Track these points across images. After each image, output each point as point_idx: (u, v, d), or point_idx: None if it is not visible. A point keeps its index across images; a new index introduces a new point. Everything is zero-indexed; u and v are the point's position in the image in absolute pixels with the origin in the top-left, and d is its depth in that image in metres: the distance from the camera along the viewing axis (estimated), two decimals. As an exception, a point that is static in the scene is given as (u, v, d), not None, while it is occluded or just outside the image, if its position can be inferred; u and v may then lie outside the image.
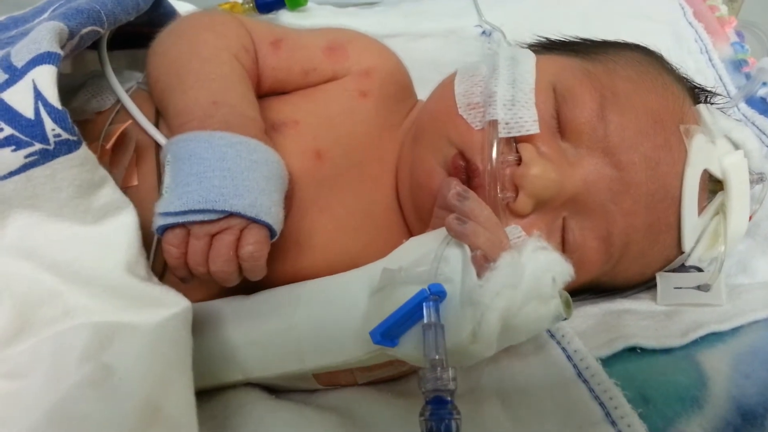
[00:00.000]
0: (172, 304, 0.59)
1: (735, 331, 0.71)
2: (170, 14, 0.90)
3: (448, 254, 0.57)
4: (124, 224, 0.61)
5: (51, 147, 0.56)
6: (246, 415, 0.63)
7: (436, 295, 0.52)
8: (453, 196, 0.61)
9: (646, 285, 0.82)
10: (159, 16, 0.86)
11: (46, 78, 0.57)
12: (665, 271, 0.79)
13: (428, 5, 1.21)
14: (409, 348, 0.54)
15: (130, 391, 0.53)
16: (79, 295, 0.58)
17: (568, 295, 0.56)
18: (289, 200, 0.68)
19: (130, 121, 0.70)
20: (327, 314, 0.63)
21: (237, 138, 0.63)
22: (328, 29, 0.84)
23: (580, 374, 0.65)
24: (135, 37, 0.83)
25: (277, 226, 0.63)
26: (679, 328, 0.71)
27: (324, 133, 0.75)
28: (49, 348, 0.56)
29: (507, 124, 0.68)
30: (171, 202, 0.60)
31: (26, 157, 0.56)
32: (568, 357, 0.67)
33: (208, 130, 0.63)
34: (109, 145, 0.66)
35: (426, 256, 0.58)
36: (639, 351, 0.68)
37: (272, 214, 0.62)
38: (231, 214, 0.60)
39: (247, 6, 1.12)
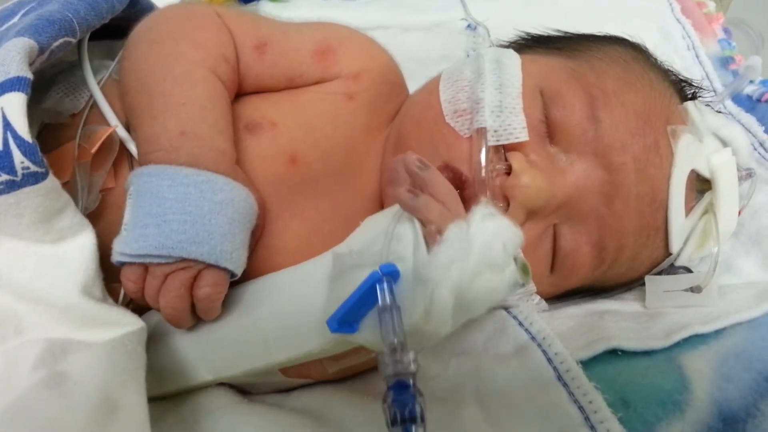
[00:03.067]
0: (127, 324, 0.59)
1: (718, 333, 0.70)
2: (147, 9, 0.87)
3: (399, 232, 0.55)
4: (83, 245, 0.60)
5: (18, 179, 0.55)
6: (217, 420, 0.61)
7: (388, 275, 0.50)
8: (414, 163, 0.60)
9: (630, 286, 0.81)
10: (135, 12, 0.84)
11: (15, 107, 0.55)
12: (654, 274, 0.78)
13: (413, -2, 1.20)
14: (368, 333, 0.52)
15: (86, 393, 0.53)
16: (33, 313, 0.58)
17: (525, 260, 0.54)
18: (259, 229, 0.67)
19: (115, 126, 0.68)
20: (289, 305, 0.62)
21: (203, 176, 0.61)
22: (318, 26, 0.81)
23: (560, 377, 0.64)
24: (109, 27, 0.81)
25: (239, 269, 0.62)
26: (662, 330, 0.70)
27: (302, 137, 0.73)
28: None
29: (496, 131, 0.67)
30: (128, 244, 0.59)
31: None
32: (549, 359, 0.65)
33: (174, 164, 0.61)
34: (93, 150, 0.65)
35: (378, 236, 0.56)
36: (620, 353, 0.67)
37: (233, 259, 0.61)
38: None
39: (227, -4, 1.10)
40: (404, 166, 0.61)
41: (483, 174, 0.65)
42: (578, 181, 0.68)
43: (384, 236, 0.55)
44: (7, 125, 0.55)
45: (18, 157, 0.55)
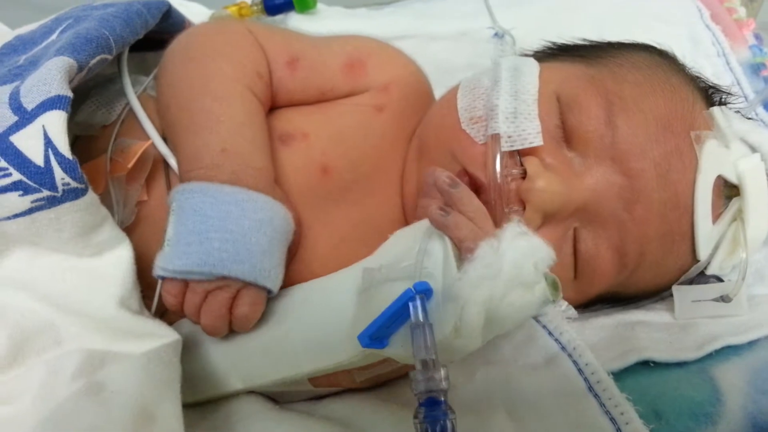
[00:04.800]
0: (163, 336, 0.61)
1: (752, 344, 0.69)
2: (179, 23, 0.89)
3: (430, 248, 0.56)
4: (120, 258, 0.61)
5: (59, 194, 0.57)
6: (248, 427, 0.62)
7: (422, 293, 0.51)
8: (444, 181, 0.60)
9: (660, 295, 0.80)
10: (168, 26, 0.85)
11: (56, 125, 0.57)
12: (681, 283, 0.77)
13: (439, 7, 1.20)
14: (398, 348, 0.53)
15: (124, 401, 0.54)
16: (71, 325, 0.59)
17: (556, 278, 0.54)
18: (295, 245, 0.68)
19: (150, 141, 0.69)
20: (318, 317, 0.63)
21: (244, 194, 0.62)
22: (347, 39, 0.82)
23: (591, 388, 0.63)
24: (142, 39, 0.83)
25: (276, 287, 0.63)
26: (694, 341, 0.69)
27: (333, 147, 0.74)
28: (39, 372, 0.56)
29: (510, 137, 0.67)
30: (171, 260, 0.60)
31: (33, 202, 0.57)
32: (579, 370, 0.65)
33: (216, 182, 0.62)
34: (130, 164, 0.67)
35: (409, 251, 0.57)
36: (652, 364, 0.66)
37: (271, 277, 0.62)
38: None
39: (255, 8, 1.11)
40: (430, 188, 0.61)
41: (498, 179, 0.66)
42: (596, 185, 0.68)
43: (416, 252, 0.56)
44: (49, 142, 0.56)
45: (59, 174, 0.56)
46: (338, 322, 0.60)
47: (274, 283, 0.63)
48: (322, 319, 0.62)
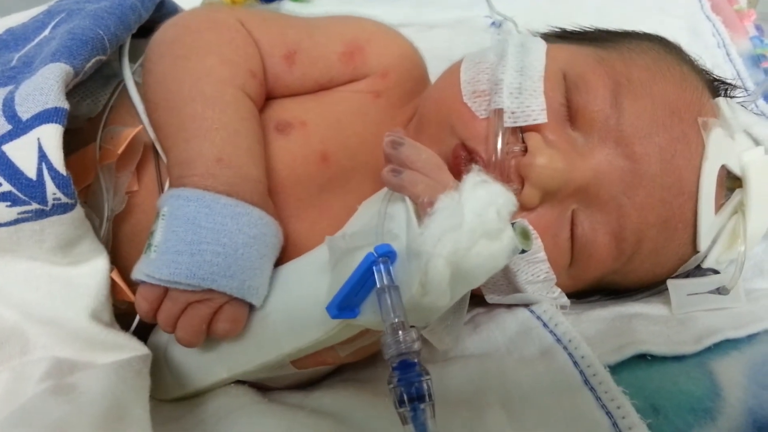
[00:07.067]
0: (133, 349, 0.60)
1: (751, 338, 0.68)
2: (172, 12, 0.87)
3: (392, 211, 0.55)
4: (96, 270, 0.60)
5: (48, 208, 0.56)
6: (235, 421, 0.61)
7: (385, 256, 0.50)
8: (387, 144, 0.59)
9: (658, 287, 0.79)
10: (160, 16, 0.83)
11: (52, 139, 0.55)
12: (679, 275, 0.76)
13: (436, -5, 1.19)
14: (370, 315, 0.51)
15: (95, 399, 0.53)
16: (40, 334, 0.58)
17: (525, 226, 0.53)
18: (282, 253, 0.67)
19: (140, 126, 0.68)
20: (295, 297, 0.62)
21: (240, 208, 0.60)
22: (345, 23, 0.80)
23: (586, 381, 0.62)
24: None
25: (260, 302, 0.62)
26: (692, 334, 0.68)
27: (332, 135, 0.72)
28: (4, 377, 0.56)
29: (513, 113, 0.66)
30: (158, 268, 0.58)
31: (20, 213, 0.56)
32: (575, 363, 0.64)
33: (211, 191, 0.60)
34: (120, 150, 0.65)
35: (372, 218, 0.56)
36: (649, 358, 0.65)
37: (258, 294, 0.61)
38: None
39: (249, -6, 1.09)
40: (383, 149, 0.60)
41: (499, 154, 0.64)
42: (598, 166, 0.67)
43: (378, 216, 0.55)
44: (43, 156, 0.55)
45: (51, 189, 0.55)
46: (314, 298, 0.58)
47: (259, 299, 0.61)
48: (299, 298, 0.61)
